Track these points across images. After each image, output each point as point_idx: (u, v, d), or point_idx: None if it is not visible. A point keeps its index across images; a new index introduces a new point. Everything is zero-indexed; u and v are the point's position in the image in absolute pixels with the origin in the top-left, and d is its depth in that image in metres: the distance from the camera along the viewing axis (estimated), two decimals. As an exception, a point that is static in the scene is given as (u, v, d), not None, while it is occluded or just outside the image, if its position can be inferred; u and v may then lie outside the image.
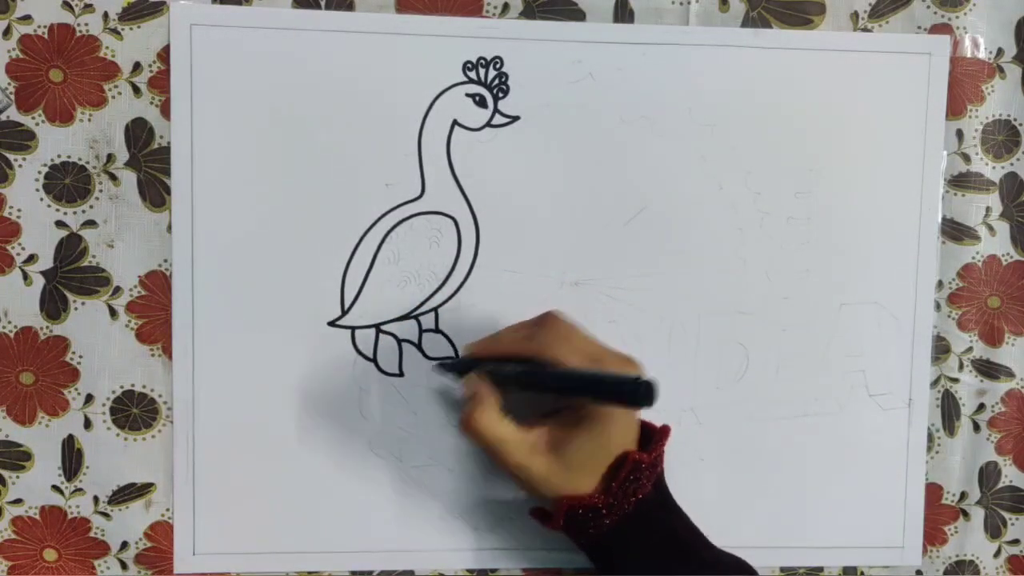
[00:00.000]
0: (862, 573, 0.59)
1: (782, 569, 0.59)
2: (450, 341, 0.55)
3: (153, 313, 0.54)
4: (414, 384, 0.55)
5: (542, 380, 0.48)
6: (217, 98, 0.53)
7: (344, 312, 0.55)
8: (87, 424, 0.54)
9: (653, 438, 0.50)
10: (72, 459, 0.54)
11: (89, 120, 0.53)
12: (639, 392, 0.43)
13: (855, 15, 0.56)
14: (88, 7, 0.52)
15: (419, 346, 0.55)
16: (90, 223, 0.53)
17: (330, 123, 0.54)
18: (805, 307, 0.57)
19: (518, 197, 0.55)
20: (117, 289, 0.54)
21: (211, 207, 0.53)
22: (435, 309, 0.55)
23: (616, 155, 0.55)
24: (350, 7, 0.53)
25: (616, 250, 0.56)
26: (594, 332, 0.55)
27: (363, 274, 0.54)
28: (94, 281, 0.54)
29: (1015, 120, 0.58)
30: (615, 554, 0.49)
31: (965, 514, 0.60)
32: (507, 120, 0.55)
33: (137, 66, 0.53)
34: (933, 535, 0.60)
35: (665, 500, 0.50)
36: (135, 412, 0.54)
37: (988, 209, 0.58)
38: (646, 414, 0.53)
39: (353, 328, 0.55)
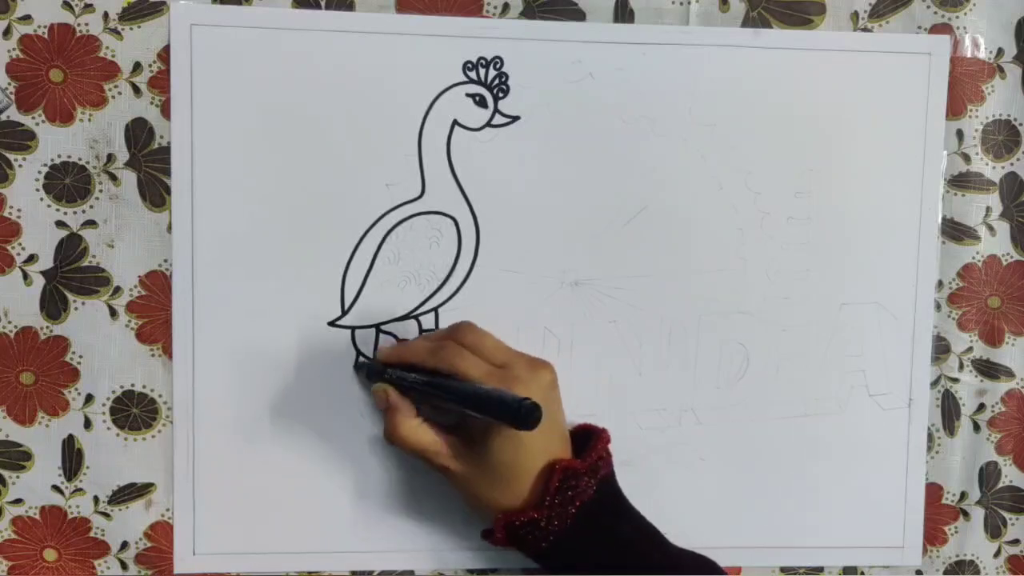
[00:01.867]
0: (862, 573, 0.59)
1: (782, 569, 0.59)
2: (450, 341, 0.55)
3: (153, 313, 0.54)
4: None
5: (439, 393, 0.48)
6: (217, 98, 0.53)
7: (344, 312, 0.55)
8: (87, 424, 0.54)
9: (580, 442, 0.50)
10: (72, 459, 0.54)
11: (89, 120, 0.53)
12: (519, 413, 0.43)
13: (855, 15, 0.56)
14: (88, 7, 0.52)
15: (419, 346, 0.55)
16: (90, 223, 0.53)
17: (330, 123, 0.54)
18: (805, 307, 0.57)
19: (518, 197, 0.55)
20: (117, 289, 0.54)
21: (211, 207, 0.53)
22: (435, 309, 0.55)
23: (616, 155, 0.55)
24: (350, 7, 0.53)
25: (616, 250, 0.56)
26: (594, 332, 0.56)
27: (363, 274, 0.54)
28: (94, 281, 0.54)
29: (1015, 120, 0.58)
30: (564, 563, 0.48)
31: (965, 514, 0.60)
32: (507, 120, 0.55)
33: (137, 66, 0.53)
34: (933, 535, 0.60)
35: (615, 504, 0.49)
36: (135, 412, 0.54)
37: (988, 209, 0.58)
38: (589, 416, 0.53)
39: (353, 328, 0.55)
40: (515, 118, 0.55)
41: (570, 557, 0.48)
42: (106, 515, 0.55)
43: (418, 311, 0.55)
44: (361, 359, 0.54)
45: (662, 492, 0.56)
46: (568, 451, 0.50)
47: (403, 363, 0.51)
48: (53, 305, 0.53)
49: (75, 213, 0.53)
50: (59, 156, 0.53)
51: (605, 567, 0.47)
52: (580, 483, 0.47)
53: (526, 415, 0.43)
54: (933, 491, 0.59)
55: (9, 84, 0.52)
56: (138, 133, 0.53)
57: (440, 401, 0.49)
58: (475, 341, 0.49)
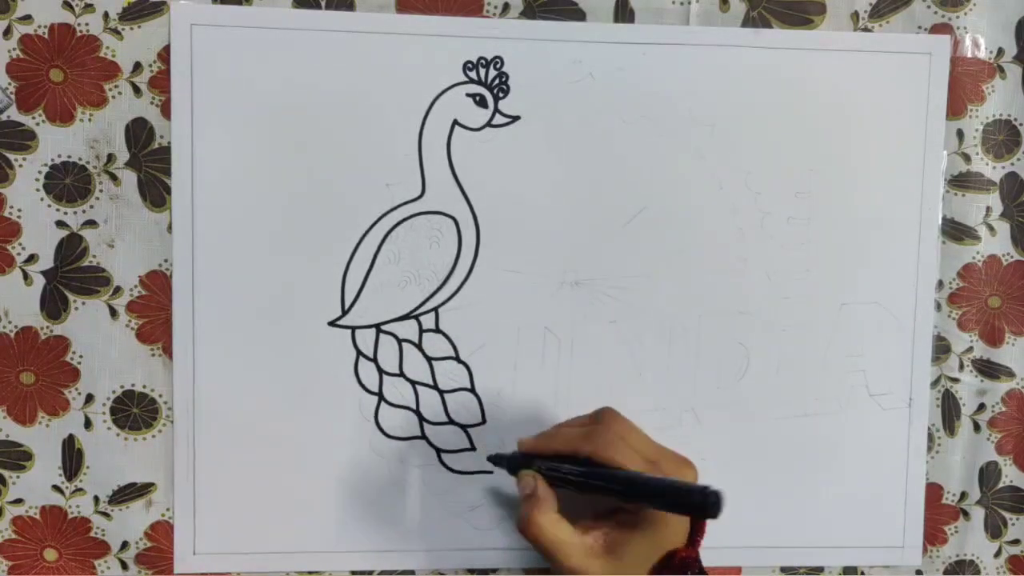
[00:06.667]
0: (862, 573, 0.59)
1: (782, 569, 0.59)
2: (450, 341, 0.55)
3: (153, 313, 0.54)
4: (414, 384, 0.55)
5: (603, 484, 0.47)
6: (217, 98, 0.53)
7: (344, 312, 0.55)
8: (87, 424, 0.54)
9: (692, 528, 0.49)
10: (72, 459, 0.54)
11: (89, 120, 0.53)
12: (708, 504, 0.42)
13: (855, 15, 0.56)
14: (88, 7, 0.52)
15: (419, 346, 0.55)
16: (90, 223, 0.53)
17: (330, 123, 0.54)
18: (805, 307, 0.57)
19: (518, 197, 0.55)
20: (117, 289, 0.54)
21: (211, 207, 0.53)
22: (435, 309, 0.55)
23: (616, 155, 0.55)
24: (350, 7, 0.53)
25: (616, 250, 0.56)
26: (594, 332, 0.56)
27: (363, 274, 0.54)
28: (94, 281, 0.54)
29: (1015, 120, 0.58)
30: None
31: (965, 514, 0.60)
32: (507, 120, 0.55)
33: (137, 66, 0.53)
34: (933, 535, 0.60)
35: None
36: (135, 412, 0.54)
37: (988, 209, 0.58)
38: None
39: (353, 328, 0.55)
40: (515, 118, 0.55)
41: None
42: (106, 515, 0.55)
43: (418, 311, 0.55)
44: (497, 455, 0.52)
45: (662, 492, 0.56)
46: (685, 539, 0.49)
47: (547, 453, 0.50)
48: (53, 305, 0.53)
49: (75, 213, 0.53)
50: (59, 156, 0.53)
51: None
52: (690, 570, 0.47)
53: (713, 505, 0.42)
54: (933, 491, 0.59)
55: (9, 84, 0.52)
56: (138, 133, 0.53)
57: (600, 492, 0.47)
58: (622, 431, 0.48)
